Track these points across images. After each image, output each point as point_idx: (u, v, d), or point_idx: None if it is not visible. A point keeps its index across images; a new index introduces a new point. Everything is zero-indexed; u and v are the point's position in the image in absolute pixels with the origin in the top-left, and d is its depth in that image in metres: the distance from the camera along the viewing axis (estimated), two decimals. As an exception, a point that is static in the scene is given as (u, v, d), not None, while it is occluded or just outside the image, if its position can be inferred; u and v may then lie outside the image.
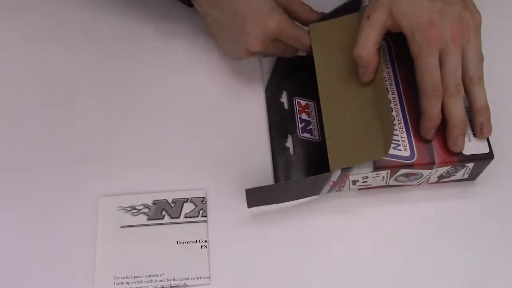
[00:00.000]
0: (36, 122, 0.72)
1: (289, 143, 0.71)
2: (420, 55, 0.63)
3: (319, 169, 0.65)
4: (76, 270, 0.65)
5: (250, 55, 0.71)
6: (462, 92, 0.65)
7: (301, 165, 0.70)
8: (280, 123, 0.72)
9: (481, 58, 0.65)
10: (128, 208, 0.67)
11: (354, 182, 0.67)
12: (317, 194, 0.68)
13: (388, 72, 0.70)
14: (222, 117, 0.73)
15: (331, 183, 0.66)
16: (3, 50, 0.77)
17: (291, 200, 0.68)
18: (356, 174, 0.65)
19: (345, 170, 0.64)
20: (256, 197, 0.66)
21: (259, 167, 0.70)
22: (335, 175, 0.65)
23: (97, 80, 0.75)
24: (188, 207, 0.68)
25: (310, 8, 0.73)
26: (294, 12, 0.72)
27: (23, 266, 0.65)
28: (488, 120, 0.66)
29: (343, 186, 0.68)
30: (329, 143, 0.65)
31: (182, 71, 0.76)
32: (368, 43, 0.65)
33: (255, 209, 0.68)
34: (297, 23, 0.71)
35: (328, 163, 0.64)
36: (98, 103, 0.73)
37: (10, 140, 0.71)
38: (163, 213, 0.67)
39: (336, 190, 0.69)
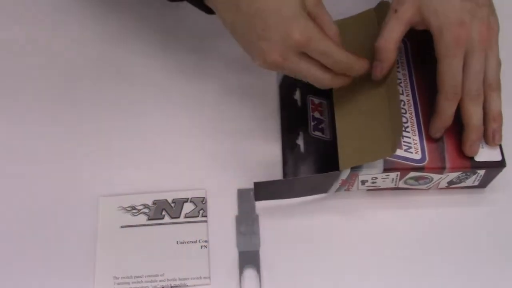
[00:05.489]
0: (36, 122, 0.73)
1: (300, 141, 0.71)
2: (446, 55, 0.62)
3: (329, 168, 0.64)
4: (76, 270, 0.65)
5: (269, 66, 0.61)
6: (482, 97, 0.64)
7: (311, 163, 0.69)
8: (292, 120, 0.72)
9: (499, 65, 0.64)
10: (128, 208, 0.68)
11: (363, 182, 0.67)
12: (325, 192, 0.68)
13: (404, 74, 0.69)
14: (228, 114, 0.73)
15: (340, 181, 0.66)
16: (5, 50, 0.77)
17: (299, 197, 0.68)
18: (366, 174, 0.65)
19: (355, 169, 0.64)
20: (264, 191, 0.65)
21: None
22: (345, 173, 0.64)
23: (97, 80, 0.75)
24: (188, 207, 0.68)
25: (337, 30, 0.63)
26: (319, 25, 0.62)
27: (23, 266, 0.65)
28: (501, 127, 0.65)
29: (352, 186, 0.67)
30: (340, 141, 0.65)
31: (188, 67, 0.76)
32: (392, 37, 0.63)
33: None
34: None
35: (338, 162, 0.64)
36: (99, 103, 0.73)
37: (11, 139, 0.72)
38: (163, 213, 0.67)
39: (345, 190, 0.68)
